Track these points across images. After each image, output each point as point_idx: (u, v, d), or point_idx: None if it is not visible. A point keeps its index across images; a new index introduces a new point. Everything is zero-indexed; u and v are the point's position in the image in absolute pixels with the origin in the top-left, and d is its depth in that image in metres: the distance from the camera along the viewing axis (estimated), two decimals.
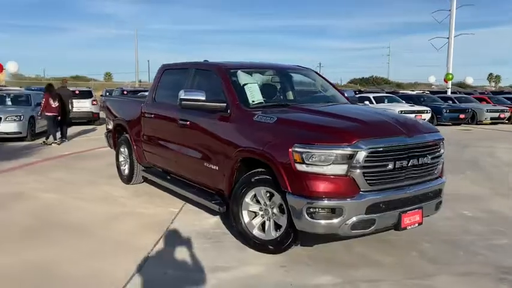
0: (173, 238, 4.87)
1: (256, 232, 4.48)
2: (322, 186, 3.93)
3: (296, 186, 3.98)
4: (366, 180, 3.95)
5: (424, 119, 19.43)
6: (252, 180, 4.45)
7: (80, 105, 17.38)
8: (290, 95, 5.72)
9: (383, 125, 4.33)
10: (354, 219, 3.92)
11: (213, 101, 5.00)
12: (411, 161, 4.17)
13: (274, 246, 4.35)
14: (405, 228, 4.22)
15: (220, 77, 5.22)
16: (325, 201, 3.90)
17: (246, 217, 4.53)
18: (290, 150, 4.00)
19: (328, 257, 4.38)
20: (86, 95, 18.57)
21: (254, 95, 5.11)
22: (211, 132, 5.07)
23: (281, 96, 5.57)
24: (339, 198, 3.90)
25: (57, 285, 3.76)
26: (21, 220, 5.49)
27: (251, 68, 5.64)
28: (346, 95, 6.14)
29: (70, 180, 7.79)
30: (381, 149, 4.00)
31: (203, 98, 4.94)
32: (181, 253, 4.45)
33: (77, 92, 18.31)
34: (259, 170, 4.42)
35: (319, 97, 5.90)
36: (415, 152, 4.21)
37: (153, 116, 6.32)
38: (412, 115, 19.03)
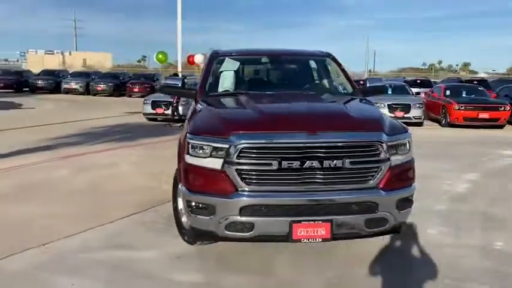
0: (139, 217, 5.21)
1: (184, 220, 4.48)
2: (198, 180, 3.72)
3: (183, 177, 3.87)
4: (242, 179, 3.54)
5: None
6: None
7: None
8: (268, 83, 5.30)
9: (281, 118, 3.76)
10: (228, 219, 3.58)
11: (189, 89, 5.14)
12: (309, 162, 3.50)
13: (188, 237, 4.29)
14: (299, 241, 3.58)
15: (206, 64, 5.29)
16: (198, 197, 3.68)
17: (180, 204, 4.56)
18: (186, 140, 3.90)
19: (231, 258, 4.09)
20: None
21: (224, 82, 5.00)
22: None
23: (258, 84, 5.23)
24: (212, 195, 3.62)
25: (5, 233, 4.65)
26: (77, 183, 6.71)
27: (246, 55, 5.48)
28: (368, 84, 5.32)
29: (170, 156, 8.91)
30: (258, 145, 3.51)
31: (179, 85, 5.12)
32: (120, 228, 4.83)
33: None
34: None
35: (307, 86, 5.25)
36: (317, 152, 3.51)
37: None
38: None
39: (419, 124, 15.17)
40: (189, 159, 3.76)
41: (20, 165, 7.81)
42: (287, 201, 3.56)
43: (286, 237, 3.58)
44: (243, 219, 3.56)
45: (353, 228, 3.68)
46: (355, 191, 3.64)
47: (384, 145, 3.64)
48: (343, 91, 5.13)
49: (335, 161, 3.53)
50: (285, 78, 5.43)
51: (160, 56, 17.85)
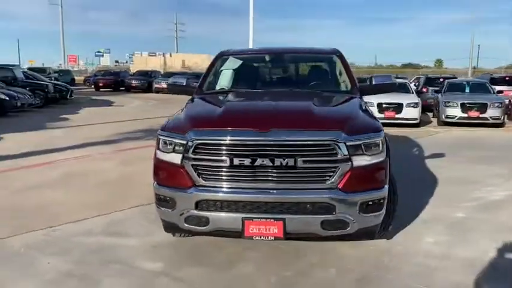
0: (148, 208, 5.44)
1: None
2: (163, 174, 3.91)
3: (154, 171, 4.06)
4: (198, 174, 3.66)
5: None
6: None
7: None
8: (264, 81, 5.31)
9: (238, 116, 3.82)
10: (187, 213, 3.73)
11: (193, 87, 5.35)
12: (260, 160, 3.51)
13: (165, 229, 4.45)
14: (251, 238, 3.61)
15: (210, 63, 5.48)
16: (163, 190, 3.87)
17: None
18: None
19: (201, 251, 4.22)
20: None
21: (222, 80, 5.16)
22: None
23: (254, 82, 5.26)
24: (174, 188, 3.78)
25: (24, 215, 5.22)
26: (113, 174, 7.28)
27: (250, 54, 5.57)
28: (374, 82, 5.10)
29: None
30: (210, 141, 3.61)
31: (183, 84, 5.38)
32: (124, 217, 5.19)
33: None
34: None
35: (303, 84, 5.12)
36: (268, 150, 3.51)
37: None
38: None
39: (499, 125, 13.89)
40: (158, 154, 3.96)
41: (76, 157, 8.67)
42: (239, 198, 3.61)
43: (240, 234, 3.64)
44: (199, 213, 3.68)
45: (308, 228, 3.62)
46: (310, 190, 3.58)
47: (342, 145, 3.52)
48: (342, 89, 4.99)
49: (287, 160, 3.50)
50: (283, 77, 5.44)
51: None
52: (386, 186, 3.81)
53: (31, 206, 5.56)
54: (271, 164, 3.51)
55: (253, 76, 5.49)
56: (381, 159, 3.75)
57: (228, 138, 3.58)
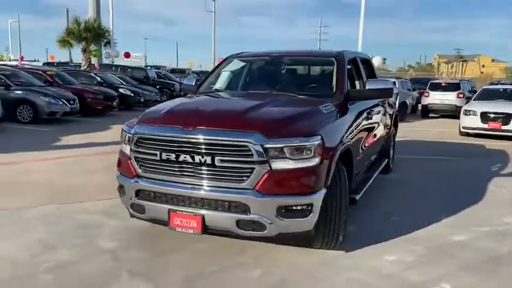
0: None
1: None
2: (120, 164, 4.35)
3: (117, 162, 4.50)
4: (139, 165, 4.02)
5: None
6: None
7: (445, 98, 17.50)
8: (255, 83, 5.30)
9: (175, 114, 4.09)
10: (132, 200, 4.11)
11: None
12: (182, 156, 3.72)
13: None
14: (175, 229, 3.85)
15: (216, 64, 5.77)
16: (119, 178, 4.30)
17: None
18: None
19: (159, 237, 4.52)
20: (453, 87, 18.09)
21: (219, 82, 5.40)
22: None
23: (244, 84, 5.33)
24: (124, 177, 4.19)
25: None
26: None
27: (253, 57, 5.67)
28: (367, 87, 4.85)
29: None
30: (144, 136, 3.94)
31: (192, 84, 5.76)
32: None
33: (444, 84, 18.30)
34: None
35: (290, 87, 5.01)
36: (189, 147, 3.70)
37: None
38: None
39: None
40: (122, 146, 4.41)
41: None
42: (167, 190, 3.87)
43: (167, 224, 3.89)
44: (139, 201, 4.05)
45: (225, 226, 3.71)
46: (227, 189, 3.66)
47: (258, 147, 3.53)
48: (325, 93, 4.82)
49: (205, 157, 3.65)
50: (271, 79, 5.38)
51: None
52: (320, 193, 3.68)
53: (72, 186, 6.48)
54: (191, 161, 3.69)
55: (245, 78, 5.59)
56: (311, 164, 3.63)
57: (159, 133, 3.88)
